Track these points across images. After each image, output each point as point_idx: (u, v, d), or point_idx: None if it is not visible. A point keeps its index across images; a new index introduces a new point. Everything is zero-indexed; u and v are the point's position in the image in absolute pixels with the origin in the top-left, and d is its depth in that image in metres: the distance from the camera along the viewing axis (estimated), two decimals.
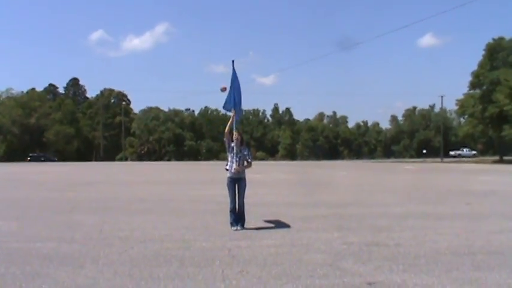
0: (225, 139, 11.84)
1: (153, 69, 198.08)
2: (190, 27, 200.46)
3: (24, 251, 8.89)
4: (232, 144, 11.56)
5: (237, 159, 11.45)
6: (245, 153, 11.61)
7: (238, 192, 11.45)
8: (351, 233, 10.65)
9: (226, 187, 11.53)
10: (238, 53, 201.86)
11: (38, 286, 6.56)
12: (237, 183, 11.44)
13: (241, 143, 11.60)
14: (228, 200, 11.52)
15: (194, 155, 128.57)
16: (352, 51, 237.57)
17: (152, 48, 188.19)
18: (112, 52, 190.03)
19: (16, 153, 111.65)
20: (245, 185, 11.55)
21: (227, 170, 11.56)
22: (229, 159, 11.57)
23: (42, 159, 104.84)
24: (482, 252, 8.74)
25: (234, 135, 11.63)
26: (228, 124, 11.90)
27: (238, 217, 11.36)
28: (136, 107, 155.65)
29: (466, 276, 7.05)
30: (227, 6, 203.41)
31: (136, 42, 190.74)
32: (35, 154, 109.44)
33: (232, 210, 11.39)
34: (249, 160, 11.76)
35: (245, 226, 11.34)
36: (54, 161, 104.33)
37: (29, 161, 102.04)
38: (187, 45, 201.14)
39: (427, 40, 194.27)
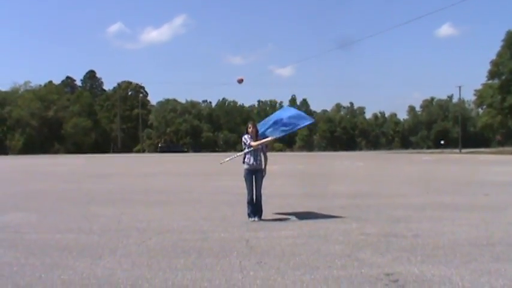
0: (246, 142, 11.68)
1: (170, 61, 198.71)
2: (208, 18, 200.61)
3: (44, 242, 8.95)
4: (247, 137, 11.48)
5: (255, 152, 11.41)
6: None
7: (256, 184, 11.42)
8: (369, 224, 10.61)
9: (244, 178, 11.53)
10: (256, 44, 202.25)
11: (57, 277, 6.59)
12: (254, 174, 11.42)
13: (256, 135, 11.56)
14: (245, 191, 11.53)
15: (211, 147, 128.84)
16: (370, 41, 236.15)
17: (170, 40, 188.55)
18: (129, 44, 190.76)
19: (35, 146, 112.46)
20: (262, 177, 11.53)
21: (244, 162, 11.53)
22: (246, 152, 11.51)
23: (173, 150, 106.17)
24: (502, 243, 8.66)
25: (248, 128, 11.58)
26: (260, 142, 11.70)
27: (255, 208, 11.36)
28: (154, 99, 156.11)
29: (485, 267, 6.99)
30: None
31: (154, 35, 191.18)
32: (164, 145, 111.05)
33: (250, 202, 11.37)
34: (265, 150, 11.74)
35: (262, 217, 11.33)
36: (184, 151, 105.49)
37: (159, 152, 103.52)
38: (205, 36, 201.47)
39: (445, 30, 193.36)
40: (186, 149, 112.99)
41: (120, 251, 8.14)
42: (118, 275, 6.69)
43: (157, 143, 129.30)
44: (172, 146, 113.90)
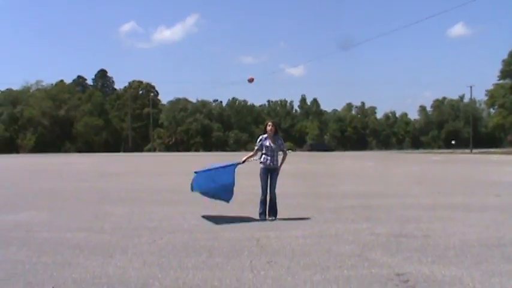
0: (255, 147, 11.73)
1: (182, 60, 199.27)
2: (221, 18, 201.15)
3: (55, 240, 9.00)
4: (266, 143, 11.47)
5: (272, 153, 11.41)
6: (279, 142, 11.55)
7: (271, 183, 11.40)
8: (379, 224, 10.60)
9: (259, 177, 11.52)
10: (268, 43, 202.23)
11: (68, 275, 6.64)
12: (270, 173, 11.42)
13: (275, 133, 11.55)
14: (259, 190, 11.53)
15: (222, 146, 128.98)
16: (381, 40, 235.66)
17: (182, 40, 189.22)
18: (142, 44, 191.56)
19: (46, 144, 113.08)
20: (277, 176, 11.52)
21: (261, 162, 11.52)
22: (264, 152, 11.51)
23: (320, 148, 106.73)
24: None
25: (267, 126, 11.56)
26: (247, 156, 11.78)
27: (269, 208, 11.36)
28: (165, 98, 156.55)
29: (496, 268, 6.98)
30: None
31: (166, 34, 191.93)
32: (313, 143, 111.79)
33: (263, 201, 11.37)
34: (284, 150, 11.76)
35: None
36: (330, 150, 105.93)
37: (310, 150, 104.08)
38: (217, 36, 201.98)
39: (458, 30, 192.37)
40: (333, 148, 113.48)
41: (131, 250, 8.19)
42: (129, 273, 6.73)
43: (169, 141, 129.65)
44: (319, 145, 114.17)
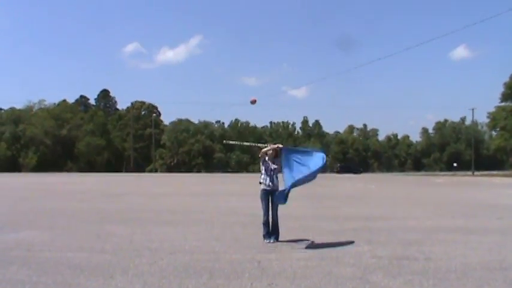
0: (259, 156, 11.78)
1: (184, 81, 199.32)
2: (224, 39, 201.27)
3: (56, 260, 9.00)
4: (267, 159, 11.53)
5: (271, 173, 11.44)
6: (277, 163, 11.52)
7: (272, 205, 11.40)
8: (381, 247, 10.59)
9: (260, 199, 11.51)
10: (271, 65, 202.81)
11: None
12: (270, 195, 11.42)
13: (276, 155, 11.57)
14: (260, 212, 11.51)
15: (223, 167, 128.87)
16: (382, 63, 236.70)
17: (185, 61, 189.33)
18: (145, 64, 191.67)
19: (48, 164, 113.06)
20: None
21: (261, 183, 11.54)
22: (263, 172, 11.55)
23: (350, 170, 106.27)
24: None
25: (267, 151, 11.56)
26: (267, 148, 11.77)
27: (272, 230, 11.34)
28: (167, 119, 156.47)
29: None
30: (261, 18, 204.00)
31: (169, 55, 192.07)
32: (343, 165, 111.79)
33: (265, 223, 11.35)
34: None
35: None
36: (359, 172, 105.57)
37: (338, 172, 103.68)
38: (220, 57, 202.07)
39: (459, 52, 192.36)
40: (361, 169, 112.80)
41: (132, 270, 8.18)
42: None
43: (170, 162, 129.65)
44: (349, 167, 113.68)
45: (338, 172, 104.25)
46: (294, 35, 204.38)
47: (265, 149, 11.63)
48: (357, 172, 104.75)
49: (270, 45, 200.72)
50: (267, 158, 11.50)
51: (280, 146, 11.71)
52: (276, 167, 11.43)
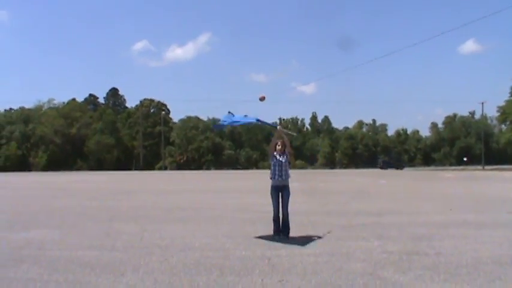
0: (268, 150, 11.77)
1: (193, 78, 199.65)
2: (232, 36, 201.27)
3: (67, 259, 9.02)
4: (275, 153, 11.50)
5: (280, 168, 11.40)
6: (285, 156, 11.49)
7: (282, 201, 11.34)
8: (391, 242, 10.56)
9: (270, 195, 11.51)
10: (280, 61, 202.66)
11: None
12: (280, 191, 11.39)
13: (283, 151, 11.53)
14: (270, 208, 11.50)
15: (233, 164, 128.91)
16: (391, 58, 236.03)
17: (194, 58, 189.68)
18: (153, 62, 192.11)
19: (58, 162, 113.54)
20: (289, 194, 11.40)
21: (271, 178, 11.51)
22: (272, 168, 11.53)
23: (394, 165, 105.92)
24: None
25: (277, 146, 11.55)
26: (273, 140, 11.79)
27: (282, 226, 11.32)
28: (176, 116, 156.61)
29: (509, 286, 6.94)
30: (270, 15, 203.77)
31: (178, 52, 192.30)
32: (385, 160, 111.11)
33: (276, 219, 11.30)
34: (288, 155, 11.67)
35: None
36: (401, 168, 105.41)
37: (382, 168, 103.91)
38: (229, 54, 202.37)
39: (469, 46, 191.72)
40: (403, 165, 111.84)
41: (142, 268, 8.19)
42: None
43: (180, 160, 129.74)
44: (392, 162, 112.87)
45: (382, 168, 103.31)
46: (302, 32, 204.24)
47: (273, 142, 11.63)
48: (399, 167, 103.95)
49: (278, 42, 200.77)
50: (275, 153, 11.47)
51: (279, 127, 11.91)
52: (284, 160, 11.38)
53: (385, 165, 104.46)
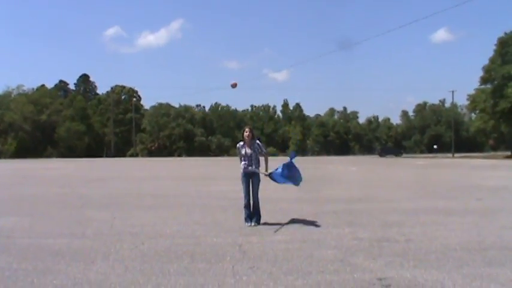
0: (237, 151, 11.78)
1: (165, 65, 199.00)
2: (205, 23, 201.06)
3: (36, 246, 8.94)
4: (243, 151, 11.48)
5: (249, 158, 11.40)
6: (255, 146, 11.47)
7: (253, 188, 11.39)
8: (362, 229, 10.62)
9: (241, 182, 11.53)
10: (253, 48, 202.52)
11: (49, 282, 6.59)
12: (250, 178, 11.40)
13: (252, 138, 11.52)
14: (241, 195, 11.51)
15: (204, 151, 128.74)
16: (363, 46, 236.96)
17: (166, 45, 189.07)
18: (125, 48, 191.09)
19: (27, 150, 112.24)
20: (259, 181, 11.46)
21: (241, 168, 11.51)
22: (242, 158, 11.51)
23: (392, 152, 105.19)
24: (494, 248, 8.70)
25: (244, 132, 11.55)
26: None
27: (253, 213, 11.35)
28: (147, 103, 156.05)
29: (477, 272, 7.02)
30: (242, 2, 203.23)
31: (150, 39, 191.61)
32: (384, 147, 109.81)
33: (246, 206, 11.34)
34: (264, 151, 11.71)
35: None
36: (400, 154, 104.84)
37: (380, 155, 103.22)
38: (202, 41, 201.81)
39: (441, 35, 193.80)
40: (402, 152, 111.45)
41: (113, 255, 8.15)
42: (111, 279, 6.70)
43: (151, 147, 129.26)
44: (391, 149, 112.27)
45: (380, 155, 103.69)
46: (276, 19, 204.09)
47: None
48: (398, 154, 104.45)
49: (251, 29, 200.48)
50: (242, 144, 11.46)
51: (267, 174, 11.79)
52: (251, 151, 11.38)
53: (384, 153, 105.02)
